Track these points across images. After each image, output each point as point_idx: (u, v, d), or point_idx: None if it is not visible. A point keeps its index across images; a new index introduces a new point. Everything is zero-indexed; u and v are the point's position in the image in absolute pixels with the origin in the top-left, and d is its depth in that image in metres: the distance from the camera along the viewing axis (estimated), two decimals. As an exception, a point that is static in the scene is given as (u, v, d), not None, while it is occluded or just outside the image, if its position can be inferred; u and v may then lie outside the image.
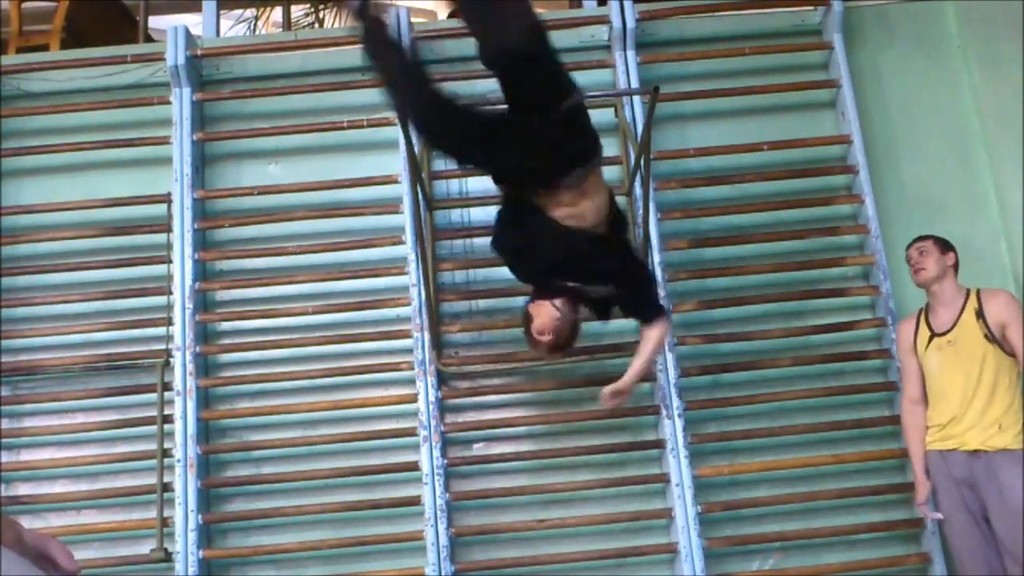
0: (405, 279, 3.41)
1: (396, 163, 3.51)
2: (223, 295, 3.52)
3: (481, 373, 3.37)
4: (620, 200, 3.45)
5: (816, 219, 3.50)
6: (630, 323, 3.32)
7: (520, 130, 2.53)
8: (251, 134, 3.61)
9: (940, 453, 2.84)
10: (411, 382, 3.33)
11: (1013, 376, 2.79)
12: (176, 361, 3.34)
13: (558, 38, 3.62)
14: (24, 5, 4.28)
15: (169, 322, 3.39)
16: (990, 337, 2.79)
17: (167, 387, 3.32)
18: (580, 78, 3.59)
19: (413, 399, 3.30)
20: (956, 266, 2.94)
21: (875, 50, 3.73)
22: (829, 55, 3.63)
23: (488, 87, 3.59)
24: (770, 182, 3.51)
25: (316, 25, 5.18)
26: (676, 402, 3.25)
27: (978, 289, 2.89)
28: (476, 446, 3.38)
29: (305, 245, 3.48)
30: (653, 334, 2.80)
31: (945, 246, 2.94)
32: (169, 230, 3.46)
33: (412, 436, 3.28)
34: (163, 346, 3.38)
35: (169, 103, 3.57)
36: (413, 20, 3.59)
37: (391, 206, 3.49)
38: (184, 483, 3.21)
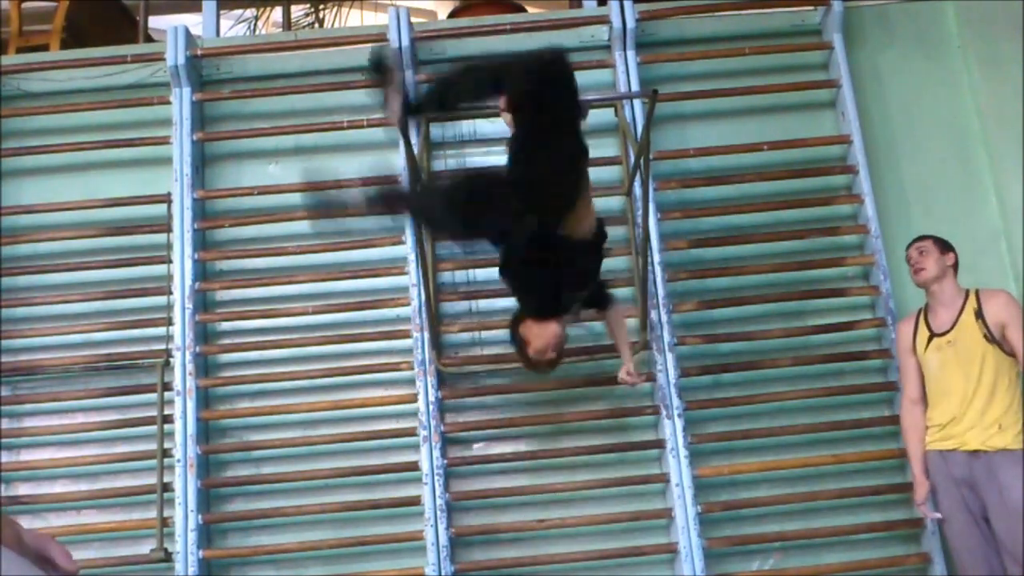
0: (405, 279, 3.41)
1: (396, 163, 3.50)
2: (223, 295, 3.52)
3: (481, 373, 3.37)
4: (620, 200, 3.47)
5: (816, 219, 3.50)
6: (630, 323, 3.32)
7: (544, 167, 2.48)
8: (251, 134, 3.61)
9: (940, 453, 2.84)
10: (411, 382, 3.33)
11: (1013, 376, 2.79)
12: (176, 361, 3.34)
13: (558, 38, 3.65)
14: (24, 5, 4.28)
15: (169, 322, 3.39)
16: (989, 337, 2.79)
17: (167, 387, 3.32)
18: (580, 78, 3.60)
19: (413, 399, 3.30)
20: (956, 266, 2.94)
21: (875, 50, 3.73)
22: (829, 55, 3.63)
23: (488, 87, 3.60)
24: (770, 182, 3.51)
25: (316, 25, 5.17)
26: (676, 402, 3.25)
27: (977, 289, 2.89)
28: (476, 446, 3.38)
29: (305, 245, 3.48)
30: (621, 316, 2.95)
31: (945, 246, 2.94)
32: (169, 230, 3.46)
33: (412, 436, 3.28)
34: (163, 346, 3.38)
35: (169, 103, 3.57)
36: (413, 20, 3.58)
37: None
38: (184, 483, 3.21)
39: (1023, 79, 3.60)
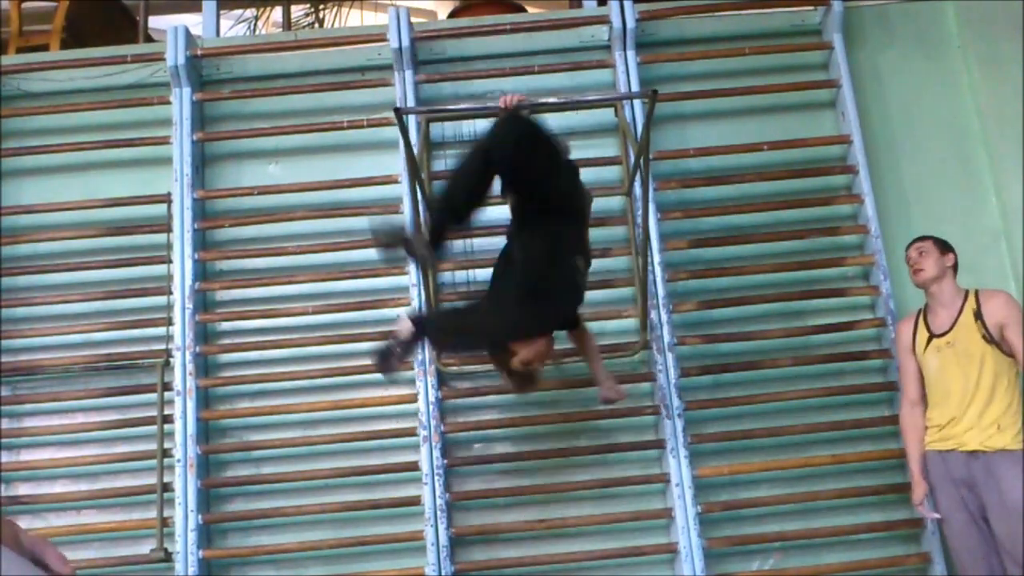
0: (405, 279, 3.41)
1: (396, 163, 3.51)
2: (223, 295, 3.52)
3: (481, 373, 3.37)
4: (620, 200, 3.47)
5: (816, 219, 3.50)
6: (630, 323, 3.33)
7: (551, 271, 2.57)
8: (251, 134, 3.61)
9: (939, 453, 2.84)
10: (411, 382, 3.33)
11: (1012, 376, 2.78)
12: (176, 361, 3.34)
13: (558, 38, 3.66)
14: (24, 5, 4.28)
15: (169, 322, 3.39)
16: (988, 338, 2.78)
17: (167, 387, 3.32)
18: (580, 78, 3.64)
19: (413, 399, 3.30)
20: (955, 267, 2.93)
21: (875, 50, 3.73)
22: (829, 55, 3.63)
23: (487, 87, 3.61)
24: (770, 182, 3.51)
25: (316, 25, 5.17)
26: (676, 402, 3.25)
27: (977, 290, 2.89)
28: (476, 446, 3.38)
29: (305, 245, 3.48)
30: (591, 334, 2.97)
31: (944, 247, 2.94)
32: (169, 230, 3.47)
33: (412, 436, 3.28)
34: (163, 346, 3.38)
35: (169, 103, 3.57)
36: (413, 20, 3.58)
37: (391, 206, 3.49)
38: (184, 483, 3.21)
39: (1023, 79, 3.60)
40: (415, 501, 3.23)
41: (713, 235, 3.48)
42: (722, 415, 3.34)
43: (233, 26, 5.20)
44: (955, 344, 2.82)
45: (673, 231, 3.48)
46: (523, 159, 2.49)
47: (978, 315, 2.82)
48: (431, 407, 3.27)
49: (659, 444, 3.27)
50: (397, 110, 2.62)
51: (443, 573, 3.13)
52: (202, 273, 3.49)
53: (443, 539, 3.16)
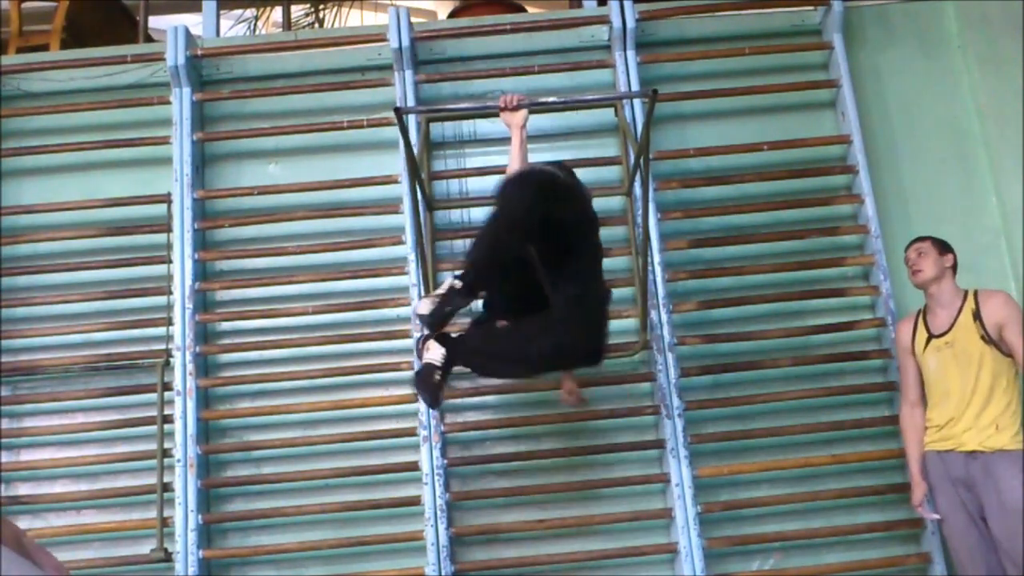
0: (405, 279, 3.41)
1: (396, 163, 3.51)
2: (223, 295, 3.52)
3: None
4: (620, 200, 3.47)
5: (816, 219, 3.50)
6: (630, 323, 3.33)
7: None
8: (251, 134, 3.61)
9: (938, 454, 2.84)
10: (411, 382, 3.33)
11: (1011, 377, 2.78)
12: (176, 361, 3.34)
13: (558, 38, 3.66)
14: (24, 5, 4.28)
15: (169, 322, 3.39)
16: (987, 338, 2.78)
17: (167, 387, 3.32)
18: (580, 78, 3.64)
19: (413, 399, 3.29)
20: (955, 267, 2.93)
21: (875, 50, 3.73)
22: (829, 55, 3.63)
23: (487, 87, 3.61)
24: (770, 182, 3.51)
25: (316, 25, 5.17)
26: (676, 402, 3.25)
27: (976, 290, 2.89)
28: (476, 446, 3.38)
29: (305, 245, 3.48)
30: None
31: (943, 247, 2.93)
32: (169, 230, 3.47)
33: (412, 436, 3.28)
34: (163, 346, 3.38)
35: (169, 103, 3.57)
36: (413, 20, 3.58)
37: (391, 206, 3.49)
38: (184, 483, 3.22)
39: (1023, 79, 3.60)
40: (415, 501, 3.23)
41: (713, 235, 3.48)
42: (722, 415, 3.34)
43: (233, 26, 5.20)
44: (954, 344, 2.82)
45: (673, 231, 3.48)
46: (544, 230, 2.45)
47: (977, 315, 2.81)
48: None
49: (659, 444, 3.27)
50: (397, 110, 2.62)
51: (443, 573, 3.13)
52: (202, 273, 3.49)
53: (443, 539, 3.16)
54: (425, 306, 2.44)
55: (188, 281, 3.39)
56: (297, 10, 5.15)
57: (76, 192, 3.57)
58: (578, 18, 3.69)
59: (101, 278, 3.50)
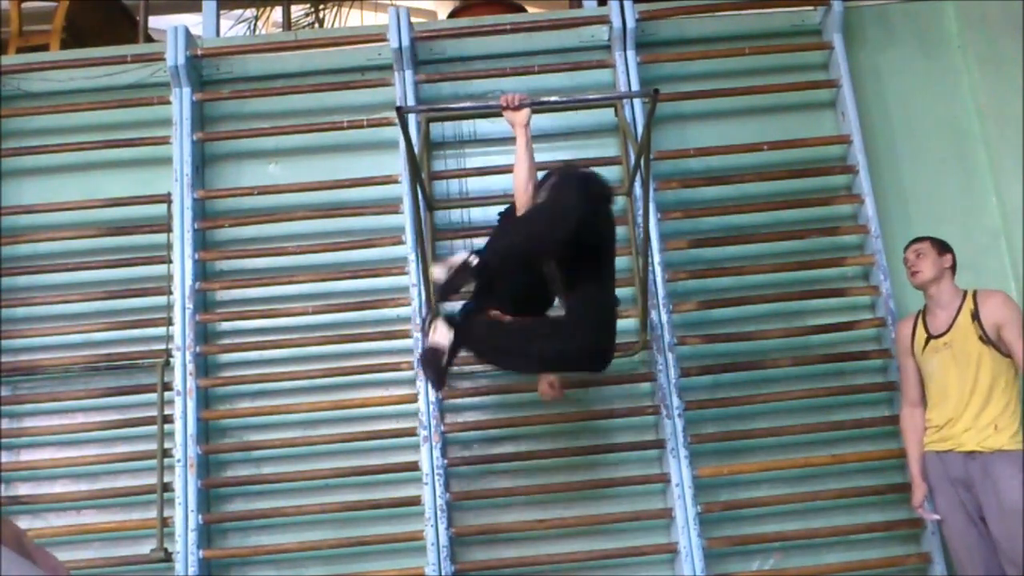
0: (405, 279, 3.41)
1: (396, 163, 3.51)
2: (223, 295, 3.52)
3: (481, 373, 3.37)
4: (620, 200, 3.46)
5: (816, 219, 3.50)
6: (630, 323, 3.33)
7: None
8: (251, 134, 3.61)
9: (937, 454, 2.84)
10: (411, 382, 3.34)
11: (1010, 377, 2.78)
12: (176, 361, 3.34)
13: (558, 38, 3.66)
14: (24, 5, 4.28)
15: (169, 322, 3.39)
16: (985, 339, 2.78)
17: (167, 387, 3.32)
18: (580, 78, 3.64)
19: (413, 399, 3.30)
20: (953, 267, 2.93)
21: (875, 50, 3.73)
22: (829, 55, 3.63)
23: (487, 87, 3.61)
24: (770, 182, 3.51)
25: (316, 25, 5.17)
26: (676, 402, 3.25)
27: (975, 290, 2.89)
28: (476, 446, 3.38)
29: (305, 245, 3.48)
30: None
31: (942, 247, 2.93)
32: (169, 230, 3.46)
33: (412, 436, 3.28)
34: (163, 346, 3.38)
35: (169, 103, 3.57)
36: (413, 20, 3.58)
37: (391, 206, 3.49)
38: (184, 483, 3.21)
39: (1023, 79, 3.60)
40: (415, 501, 3.23)
41: (713, 235, 3.48)
42: (722, 415, 3.34)
43: (233, 26, 5.20)
44: (952, 345, 2.82)
45: (673, 231, 3.48)
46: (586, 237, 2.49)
47: (975, 316, 2.82)
48: (431, 407, 3.27)
49: (659, 444, 3.27)
50: (399, 109, 2.62)
51: (443, 573, 3.13)
52: (202, 273, 3.49)
53: (443, 539, 3.16)
54: (440, 272, 2.44)
55: (188, 281, 3.39)
56: (297, 10, 5.15)
57: (76, 192, 3.57)
58: (578, 18, 3.69)
59: (101, 278, 3.49)
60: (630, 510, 3.27)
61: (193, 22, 3.87)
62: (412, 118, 3.45)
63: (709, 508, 3.21)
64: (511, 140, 2.85)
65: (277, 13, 5.19)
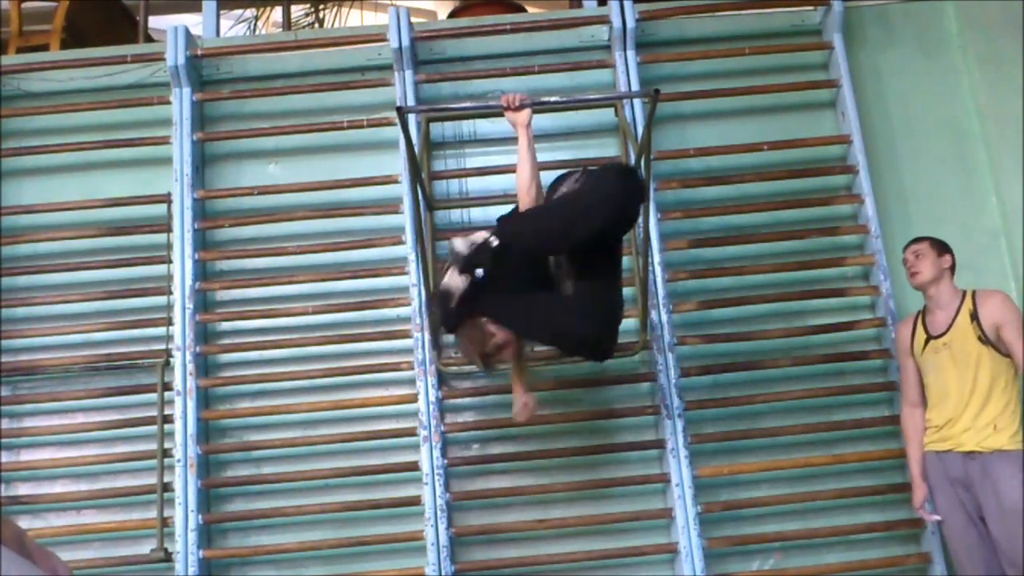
0: (405, 279, 3.41)
1: (396, 163, 3.51)
2: (223, 295, 3.52)
3: (481, 373, 3.37)
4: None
5: (816, 219, 3.50)
6: (630, 323, 3.33)
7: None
8: (251, 134, 3.61)
9: (937, 454, 2.84)
10: (411, 382, 3.34)
11: (1009, 377, 2.78)
12: (176, 361, 3.34)
13: (558, 38, 3.66)
14: (24, 5, 4.28)
15: (169, 322, 3.39)
16: (984, 339, 2.78)
17: (167, 387, 3.32)
18: (580, 78, 3.64)
19: (413, 399, 3.30)
20: (953, 268, 2.92)
21: (875, 50, 3.73)
22: (829, 55, 3.63)
23: (487, 87, 3.61)
24: (770, 182, 3.51)
25: (316, 25, 5.17)
26: (676, 402, 3.25)
27: (974, 290, 2.89)
28: (476, 446, 3.38)
29: (305, 245, 3.48)
30: None
31: (941, 248, 2.93)
32: (169, 230, 3.46)
33: (412, 436, 3.28)
34: (163, 346, 3.38)
35: (169, 103, 3.57)
36: (413, 20, 3.58)
37: (391, 206, 3.49)
38: (184, 483, 3.21)
39: (1023, 79, 3.60)
40: (415, 501, 3.23)
41: (713, 235, 3.48)
42: (722, 415, 3.34)
43: (233, 26, 5.20)
44: (952, 345, 2.82)
45: (673, 231, 3.48)
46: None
47: (974, 316, 2.81)
48: (431, 407, 3.27)
49: (659, 444, 3.27)
50: (399, 109, 2.62)
51: (443, 573, 3.13)
52: (202, 273, 3.49)
53: (443, 539, 3.16)
54: (462, 245, 2.43)
55: (188, 281, 3.39)
56: (297, 10, 5.15)
57: (76, 192, 3.57)
58: (578, 18, 3.69)
59: (101, 278, 3.49)
60: (630, 510, 3.27)
61: (193, 22, 3.87)
62: (412, 118, 3.45)
63: (709, 508, 3.21)
64: (511, 140, 2.86)
65: (277, 13, 5.19)
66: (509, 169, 3.13)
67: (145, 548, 3.21)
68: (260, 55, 3.70)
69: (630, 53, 3.56)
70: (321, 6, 5.19)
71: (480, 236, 2.44)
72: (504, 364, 2.73)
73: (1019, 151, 3.54)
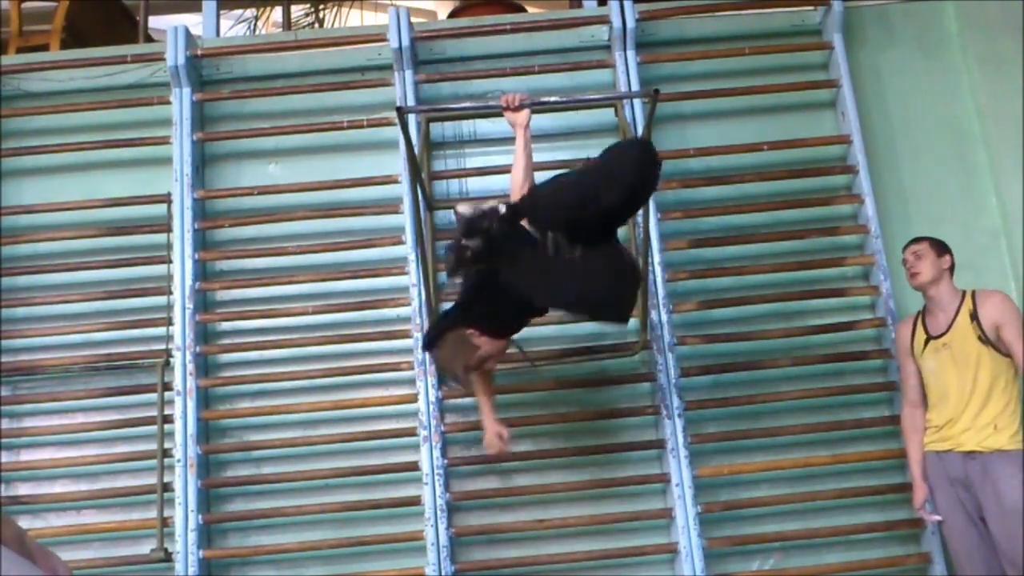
0: (405, 279, 3.41)
1: (396, 163, 3.51)
2: (223, 295, 3.52)
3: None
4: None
5: (816, 219, 3.50)
6: (630, 323, 3.32)
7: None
8: (251, 134, 3.61)
9: (937, 454, 2.84)
10: (411, 382, 3.34)
11: (1009, 377, 2.78)
12: (176, 361, 3.34)
13: (558, 38, 3.66)
14: (24, 5, 4.28)
15: (169, 322, 3.39)
16: (984, 339, 2.78)
17: (167, 387, 3.32)
18: (580, 78, 3.64)
19: (413, 399, 3.30)
20: (952, 268, 2.92)
21: (875, 50, 3.73)
22: (829, 55, 3.63)
23: (487, 87, 3.61)
24: (770, 182, 3.51)
25: (316, 25, 5.17)
26: (676, 402, 3.25)
27: (973, 291, 2.89)
28: (476, 446, 3.38)
29: (305, 245, 3.48)
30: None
31: (941, 248, 2.93)
32: (169, 230, 3.46)
33: (412, 436, 3.28)
34: (163, 346, 3.38)
35: (169, 103, 3.57)
36: (413, 20, 3.58)
37: (391, 206, 3.49)
38: (184, 483, 3.21)
39: (1023, 79, 3.60)
40: (415, 501, 3.23)
41: (713, 235, 3.48)
42: (722, 415, 3.34)
43: (233, 26, 5.20)
44: (952, 345, 2.82)
45: (673, 231, 3.48)
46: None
47: (974, 316, 2.81)
48: (431, 407, 3.27)
49: (659, 444, 3.27)
50: (399, 109, 2.62)
51: (443, 573, 3.13)
52: (202, 273, 3.49)
53: (443, 539, 3.16)
54: (466, 208, 2.41)
55: (188, 281, 3.39)
56: (297, 10, 5.15)
57: (76, 192, 3.57)
58: (578, 18, 3.69)
59: (101, 278, 3.49)
60: (630, 510, 3.27)
61: (193, 22, 3.87)
62: (412, 118, 3.45)
63: (709, 508, 3.21)
64: (511, 140, 2.85)
65: (277, 13, 5.19)
66: (509, 169, 3.10)
67: (145, 548, 3.21)
68: (260, 55, 3.70)
69: (630, 53, 3.56)
70: (321, 6, 5.19)
71: (487, 205, 2.43)
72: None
73: (1019, 151, 3.54)
